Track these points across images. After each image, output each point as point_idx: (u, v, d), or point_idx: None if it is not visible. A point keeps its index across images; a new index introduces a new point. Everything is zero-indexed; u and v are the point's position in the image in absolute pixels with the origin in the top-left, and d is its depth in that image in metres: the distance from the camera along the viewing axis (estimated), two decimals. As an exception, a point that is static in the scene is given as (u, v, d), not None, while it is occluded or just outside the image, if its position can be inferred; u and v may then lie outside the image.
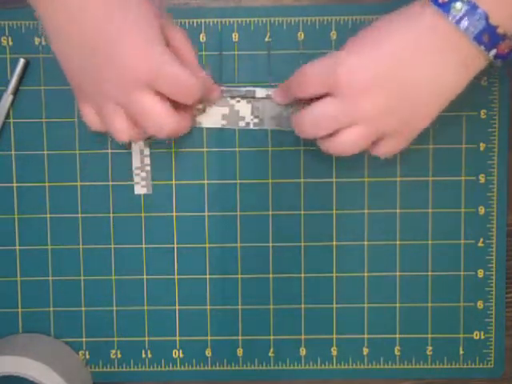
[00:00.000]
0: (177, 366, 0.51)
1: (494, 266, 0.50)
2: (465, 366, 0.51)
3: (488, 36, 0.38)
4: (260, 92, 0.48)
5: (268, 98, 0.48)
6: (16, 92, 0.49)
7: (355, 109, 0.40)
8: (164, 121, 0.41)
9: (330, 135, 0.42)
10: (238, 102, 0.48)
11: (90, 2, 0.38)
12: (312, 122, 0.42)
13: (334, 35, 0.49)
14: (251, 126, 0.49)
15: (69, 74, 0.42)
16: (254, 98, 0.48)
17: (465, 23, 0.37)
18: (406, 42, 0.39)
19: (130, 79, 0.40)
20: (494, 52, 0.38)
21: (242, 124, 0.48)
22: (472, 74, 0.40)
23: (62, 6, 0.38)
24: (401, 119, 0.41)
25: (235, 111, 0.49)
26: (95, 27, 0.39)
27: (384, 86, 0.40)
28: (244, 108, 0.48)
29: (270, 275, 0.50)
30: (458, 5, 0.37)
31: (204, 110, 0.48)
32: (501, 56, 0.39)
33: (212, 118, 0.49)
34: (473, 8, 0.37)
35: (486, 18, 0.37)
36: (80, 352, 0.51)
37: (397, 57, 0.39)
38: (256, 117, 0.49)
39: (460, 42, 0.38)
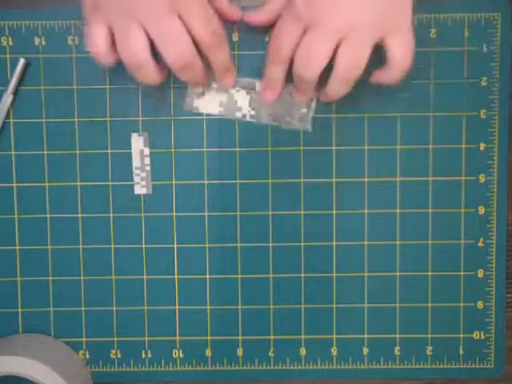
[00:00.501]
0: (177, 366, 0.51)
1: (494, 266, 0.50)
2: (465, 366, 0.51)
3: None
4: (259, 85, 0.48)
5: None
6: (16, 92, 0.49)
7: (331, 28, 0.40)
8: (186, 49, 0.41)
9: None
10: (238, 91, 0.48)
11: None
12: (304, 63, 0.42)
13: (334, 35, 0.49)
14: (247, 118, 0.48)
15: None
16: (253, 89, 0.48)
17: None
18: None
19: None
20: None
21: (238, 115, 0.48)
22: None
23: None
24: (376, 14, 0.40)
25: (233, 100, 0.49)
26: None
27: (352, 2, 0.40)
28: (242, 98, 0.48)
29: (270, 275, 0.50)
30: None
31: (203, 94, 0.48)
32: None
33: (209, 104, 0.49)
34: None
35: None
36: (80, 352, 0.51)
37: None
38: (253, 109, 0.49)
39: None
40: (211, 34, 0.42)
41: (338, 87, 0.43)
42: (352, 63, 0.41)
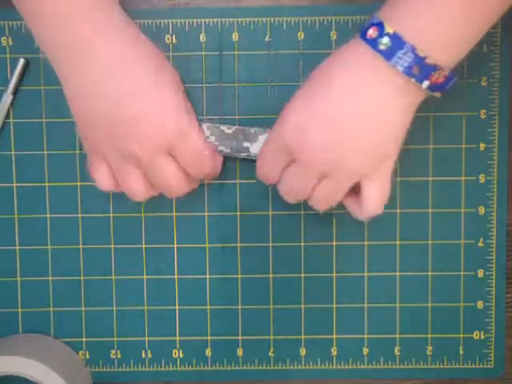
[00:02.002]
0: (177, 366, 0.51)
1: (493, 266, 0.50)
2: (465, 366, 0.51)
3: (418, 68, 0.38)
4: (255, 148, 0.47)
5: None
6: (16, 92, 0.49)
7: (312, 166, 0.41)
8: (179, 186, 0.44)
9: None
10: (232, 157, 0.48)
11: (128, 60, 0.41)
12: (287, 193, 0.44)
13: (333, 35, 0.49)
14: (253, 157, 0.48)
15: (85, 131, 0.43)
16: (248, 155, 0.47)
17: (394, 58, 0.37)
18: (340, 84, 0.39)
19: (158, 141, 0.41)
20: (426, 84, 0.38)
21: (243, 154, 0.48)
22: (414, 102, 0.40)
23: (92, 63, 0.40)
24: (358, 158, 0.40)
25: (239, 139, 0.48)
26: (126, 88, 0.41)
27: (328, 135, 0.40)
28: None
29: (270, 275, 0.50)
30: (385, 40, 0.37)
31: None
32: (436, 87, 0.39)
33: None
34: (399, 42, 0.37)
35: (413, 50, 0.37)
36: (80, 352, 0.51)
37: (332, 102, 0.39)
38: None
39: (392, 75, 0.38)
40: (202, 174, 0.45)
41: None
42: (326, 198, 0.43)
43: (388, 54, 0.37)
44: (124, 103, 0.40)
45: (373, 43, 0.38)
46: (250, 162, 0.49)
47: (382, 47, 0.38)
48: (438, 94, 0.40)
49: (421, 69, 0.38)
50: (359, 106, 0.39)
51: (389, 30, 0.37)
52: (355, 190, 0.43)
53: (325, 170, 0.41)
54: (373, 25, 0.38)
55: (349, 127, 0.40)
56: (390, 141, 0.41)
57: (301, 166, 0.41)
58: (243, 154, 0.47)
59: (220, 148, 0.47)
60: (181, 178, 0.44)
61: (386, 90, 0.39)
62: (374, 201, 0.42)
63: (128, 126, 0.41)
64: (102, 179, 0.44)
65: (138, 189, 0.44)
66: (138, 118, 0.41)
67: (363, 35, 0.39)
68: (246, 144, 0.47)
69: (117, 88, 0.40)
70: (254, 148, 0.47)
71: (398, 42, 0.37)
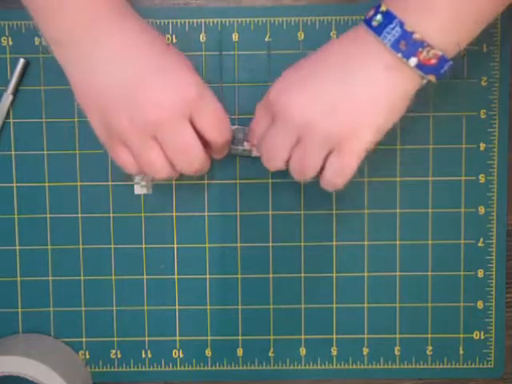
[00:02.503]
0: (177, 366, 0.51)
1: (493, 266, 0.50)
2: (465, 366, 0.51)
3: (405, 43, 0.38)
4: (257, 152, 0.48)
5: None
6: (16, 92, 0.49)
7: (289, 123, 0.41)
8: (198, 157, 0.42)
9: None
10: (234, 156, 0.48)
11: (137, 46, 0.40)
12: (266, 154, 0.43)
13: (334, 35, 0.49)
14: (253, 154, 0.48)
15: (98, 118, 0.42)
16: (250, 157, 0.48)
17: (382, 32, 0.38)
18: (332, 54, 0.41)
19: (178, 101, 0.40)
20: (414, 61, 0.38)
21: (244, 153, 0.48)
22: (406, 86, 0.40)
23: (97, 51, 0.40)
24: (334, 124, 0.40)
25: (239, 138, 0.48)
26: (138, 70, 0.40)
27: (311, 97, 0.40)
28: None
29: (270, 275, 0.50)
30: (378, 17, 0.39)
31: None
32: (428, 69, 0.39)
33: None
34: (390, 17, 0.38)
35: (402, 25, 0.38)
36: (80, 352, 0.51)
37: (322, 68, 0.41)
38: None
39: (380, 50, 0.39)
40: (222, 137, 0.43)
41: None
42: (300, 164, 0.42)
43: (378, 29, 0.39)
44: (139, 80, 0.40)
45: (368, 21, 0.39)
46: (250, 162, 0.49)
47: (374, 23, 0.39)
48: (432, 78, 0.39)
49: (407, 44, 0.38)
50: (347, 75, 0.40)
51: (383, 8, 0.39)
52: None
53: (301, 130, 0.41)
54: (374, 8, 0.40)
55: (331, 94, 0.40)
56: (368, 118, 0.40)
57: (279, 126, 0.41)
58: (240, 149, 0.47)
59: None
60: (202, 149, 0.42)
61: (374, 63, 0.39)
62: (333, 175, 0.42)
63: (146, 97, 0.40)
64: (126, 161, 0.43)
65: (160, 164, 0.42)
66: (155, 87, 0.40)
67: (365, 19, 0.40)
68: (246, 145, 0.47)
69: (128, 70, 0.40)
70: (256, 152, 0.47)
71: (388, 17, 0.38)
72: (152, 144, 0.41)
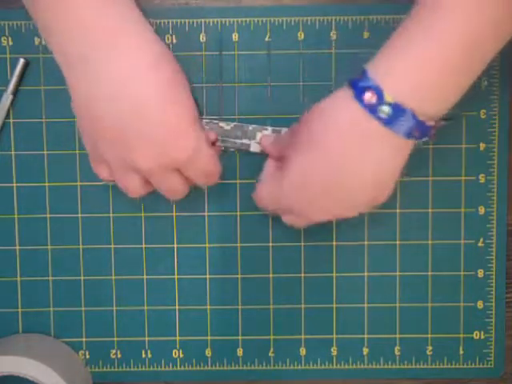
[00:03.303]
0: (177, 366, 0.51)
1: (493, 266, 0.50)
2: (465, 366, 0.51)
3: (418, 130, 0.38)
4: (254, 146, 0.48)
5: (262, 153, 0.48)
6: (16, 92, 0.49)
7: (306, 222, 0.44)
8: (183, 194, 0.44)
9: None
10: (232, 150, 0.48)
11: (140, 70, 0.39)
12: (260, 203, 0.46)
13: (334, 35, 0.49)
14: (251, 149, 0.48)
15: (88, 135, 0.42)
16: (248, 151, 0.48)
17: (394, 124, 0.37)
18: (342, 152, 0.39)
19: (168, 157, 0.40)
20: (425, 139, 0.39)
21: (244, 147, 0.48)
22: (408, 152, 0.40)
23: (107, 75, 0.39)
24: (354, 214, 0.43)
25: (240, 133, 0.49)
26: (138, 101, 0.39)
27: (325, 201, 0.41)
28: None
29: (270, 275, 0.50)
30: (386, 108, 0.37)
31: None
32: (431, 136, 0.40)
33: None
34: (399, 109, 0.37)
35: (414, 116, 0.37)
36: (80, 352, 0.51)
37: (332, 169, 0.40)
38: (258, 142, 0.49)
39: (391, 138, 0.38)
40: (209, 184, 0.44)
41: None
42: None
43: (389, 121, 0.37)
44: (135, 115, 0.39)
45: (372, 110, 0.37)
46: (250, 162, 0.49)
47: (382, 115, 0.37)
48: (430, 140, 0.40)
49: (420, 131, 0.38)
50: (358, 171, 0.40)
51: (389, 98, 0.37)
52: None
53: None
54: (369, 88, 0.37)
55: (345, 193, 0.41)
56: (383, 196, 0.42)
57: (289, 212, 0.44)
58: (238, 142, 0.47)
59: (218, 144, 0.47)
60: (185, 185, 0.43)
61: (384, 152, 0.39)
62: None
63: (138, 145, 0.40)
64: (102, 175, 0.44)
65: (135, 190, 0.43)
66: (149, 134, 0.39)
67: (359, 96, 0.38)
68: (245, 141, 0.47)
69: (128, 100, 0.39)
70: (254, 147, 0.48)
71: (398, 109, 0.37)
72: (134, 176, 0.42)
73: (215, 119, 0.48)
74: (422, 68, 0.36)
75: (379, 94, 0.37)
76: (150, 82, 0.39)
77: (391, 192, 0.42)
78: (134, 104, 0.39)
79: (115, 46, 0.38)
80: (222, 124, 0.47)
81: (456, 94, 0.38)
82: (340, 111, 0.39)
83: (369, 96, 0.37)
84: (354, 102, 0.38)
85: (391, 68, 0.37)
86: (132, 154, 0.40)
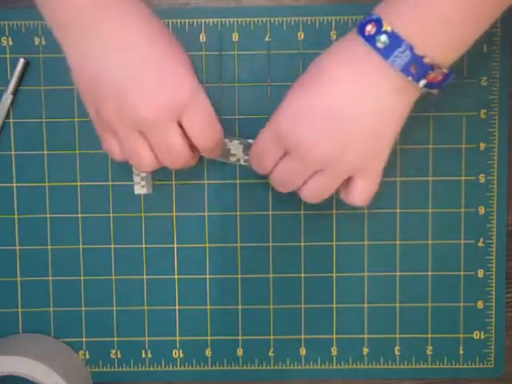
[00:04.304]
0: (177, 366, 0.51)
1: (493, 266, 0.50)
2: (465, 366, 0.51)
3: (415, 67, 0.37)
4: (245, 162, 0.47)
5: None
6: (16, 92, 0.49)
7: (309, 160, 0.41)
8: (183, 157, 0.42)
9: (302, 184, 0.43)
10: (231, 141, 0.47)
11: (138, 40, 0.39)
12: (279, 183, 0.43)
13: (334, 35, 0.49)
14: (241, 162, 0.47)
15: (93, 103, 0.41)
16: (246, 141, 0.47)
17: (390, 55, 0.37)
18: (340, 81, 0.39)
19: (169, 106, 0.40)
20: (423, 82, 0.38)
21: (232, 159, 0.47)
22: (411, 100, 0.40)
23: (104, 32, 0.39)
24: (356, 155, 0.41)
25: (226, 149, 0.47)
26: (137, 55, 0.39)
27: (327, 130, 0.40)
28: (236, 147, 0.47)
29: (270, 275, 0.50)
30: (383, 37, 0.37)
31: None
32: (434, 85, 0.39)
33: None
34: (397, 40, 0.37)
35: (411, 50, 0.37)
36: (80, 352, 0.51)
37: (332, 97, 0.39)
38: (247, 155, 0.47)
39: (388, 73, 0.38)
40: (208, 143, 0.43)
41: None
42: (318, 192, 0.42)
43: (385, 52, 0.37)
44: (135, 77, 0.39)
45: (370, 40, 0.38)
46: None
47: (379, 45, 0.37)
48: (434, 91, 0.39)
49: (418, 68, 0.37)
50: (357, 103, 0.39)
51: (387, 27, 0.37)
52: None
53: (320, 166, 0.41)
54: (371, 21, 0.38)
55: (346, 124, 0.40)
56: (385, 139, 0.41)
57: (296, 160, 0.41)
58: (230, 159, 0.47)
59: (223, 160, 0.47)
60: (186, 148, 0.42)
61: (382, 88, 0.39)
62: (361, 195, 0.42)
63: (139, 96, 0.39)
64: (113, 150, 0.43)
65: (144, 157, 0.42)
66: (147, 82, 0.39)
67: (361, 30, 0.38)
68: (231, 156, 0.47)
69: (127, 63, 0.39)
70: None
71: (395, 40, 0.37)
72: (138, 137, 0.41)
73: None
74: (425, 5, 0.36)
75: (378, 23, 0.37)
76: (147, 43, 0.40)
77: (389, 145, 0.41)
78: (131, 57, 0.39)
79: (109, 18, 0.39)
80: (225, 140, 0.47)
81: (459, 41, 0.38)
82: (343, 47, 0.40)
83: (369, 27, 0.38)
84: (357, 37, 0.38)
85: (394, 3, 0.38)
86: (134, 106, 0.40)
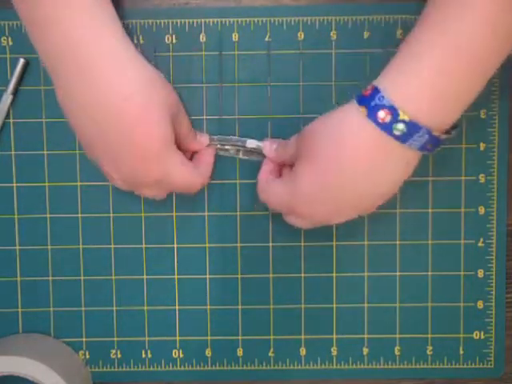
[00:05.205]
0: (177, 366, 0.51)
1: (493, 266, 0.50)
2: (465, 366, 0.51)
3: (431, 144, 0.38)
4: (250, 143, 0.48)
5: (258, 148, 0.48)
6: (16, 92, 0.49)
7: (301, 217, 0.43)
8: (164, 196, 0.46)
9: None
10: (229, 142, 0.48)
11: (118, 77, 0.40)
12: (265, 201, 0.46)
13: (334, 35, 0.49)
14: (240, 156, 0.49)
15: (90, 154, 0.44)
16: (244, 147, 0.48)
17: (409, 140, 0.38)
18: (351, 162, 0.39)
19: (137, 178, 0.42)
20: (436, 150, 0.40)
21: (232, 152, 0.49)
22: (414, 167, 0.41)
23: (90, 81, 0.39)
24: (343, 219, 0.43)
25: (226, 149, 0.49)
26: (116, 105, 0.40)
27: (338, 211, 0.42)
28: (234, 147, 0.49)
29: (270, 275, 0.50)
30: (400, 126, 0.37)
31: None
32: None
33: None
34: (415, 127, 0.37)
35: (429, 133, 0.37)
36: (80, 352, 0.51)
37: (342, 175, 0.40)
38: (245, 152, 0.49)
39: (404, 152, 0.39)
40: (191, 193, 0.47)
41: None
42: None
43: (403, 138, 0.37)
44: (111, 134, 0.40)
45: (386, 128, 0.37)
46: (250, 163, 0.49)
47: (396, 132, 0.37)
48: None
49: (434, 144, 0.39)
50: (374, 184, 0.40)
51: (404, 117, 0.37)
52: None
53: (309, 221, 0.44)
54: (383, 107, 0.37)
55: (355, 201, 0.41)
56: (388, 197, 0.43)
57: (294, 214, 0.44)
58: (229, 152, 0.48)
59: (213, 143, 0.49)
60: (192, 175, 0.45)
61: (398, 165, 0.40)
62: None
63: (113, 159, 0.42)
64: (119, 186, 0.45)
65: (151, 195, 0.45)
66: (122, 154, 0.41)
67: (372, 116, 0.37)
68: (231, 149, 0.49)
69: (108, 118, 0.40)
70: (250, 143, 0.49)
71: (414, 127, 0.37)
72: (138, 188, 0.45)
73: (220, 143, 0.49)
74: (438, 81, 0.36)
75: (394, 112, 0.37)
76: (124, 107, 0.40)
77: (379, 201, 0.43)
78: (111, 122, 0.40)
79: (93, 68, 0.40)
80: (227, 147, 0.49)
81: (470, 101, 0.38)
82: (352, 128, 0.39)
83: (383, 115, 0.37)
84: (367, 120, 0.38)
85: (405, 84, 0.37)
86: (111, 170, 0.43)
